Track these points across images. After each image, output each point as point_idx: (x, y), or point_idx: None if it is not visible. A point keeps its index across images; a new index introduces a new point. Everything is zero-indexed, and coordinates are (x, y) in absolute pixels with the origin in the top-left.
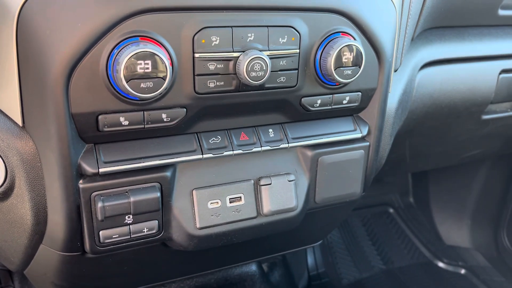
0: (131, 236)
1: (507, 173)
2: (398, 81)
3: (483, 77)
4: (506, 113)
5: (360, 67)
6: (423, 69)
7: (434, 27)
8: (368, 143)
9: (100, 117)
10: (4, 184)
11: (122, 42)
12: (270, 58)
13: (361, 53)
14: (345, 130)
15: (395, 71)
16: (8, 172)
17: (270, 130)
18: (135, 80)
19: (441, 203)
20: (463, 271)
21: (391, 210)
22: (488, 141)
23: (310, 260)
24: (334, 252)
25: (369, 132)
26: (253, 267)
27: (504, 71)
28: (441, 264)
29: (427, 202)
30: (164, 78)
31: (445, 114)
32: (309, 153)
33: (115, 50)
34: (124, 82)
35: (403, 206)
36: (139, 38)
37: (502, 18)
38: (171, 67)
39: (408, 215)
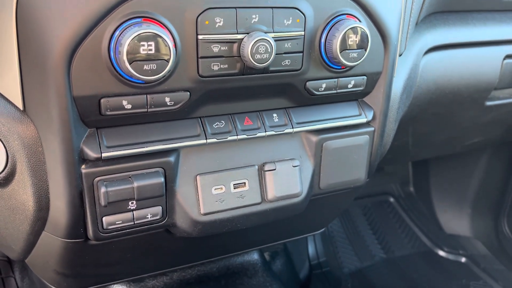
0: (135, 222)
1: (508, 162)
2: (402, 66)
3: (487, 62)
4: (510, 99)
5: (366, 50)
6: (427, 54)
7: (438, 11)
8: (373, 128)
9: (102, 100)
10: (5, 170)
11: (124, 23)
12: (275, 41)
13: (366, 35)
14: (350, 115)
15: (400, 55)
16: (9, 157)
17: (275, 115)
18: (138, 62)
19: (441, 192)
20: (463, 260)
21: (392, 199)
22: (490, 128)
23: (311, 249)
24: (335, 242)
25: (374, 117)
26: (255, 256)
27: (509, 56)
28: (441, 253)
29: (427, 191)
30: (167, 60)
31: (449, 100)
32: (314, 138)
33: (117, 32)
34: (127, 64)
35: (404, 195)
36: (141, 19)
37: (506, 3)
38: (174, 49)
39: (408, 204)
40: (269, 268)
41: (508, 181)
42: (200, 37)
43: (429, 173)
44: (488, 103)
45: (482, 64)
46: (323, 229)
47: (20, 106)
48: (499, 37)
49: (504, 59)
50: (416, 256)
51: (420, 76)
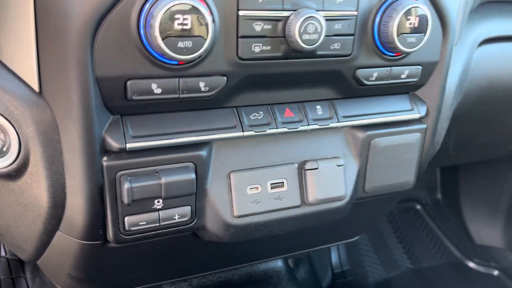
0: (161, 223)
1: None
2: (457, 57)
3: None
4: None
5: (425, 34)
6: (480, 47)
7: (492, 0)
8: (425, 126)
9: (129, 82)
10: (18, 159)
11: None
12: (325, 19)
13: (426, 18)
14: (402, 110)
15: (455, 44)
16: (22, 146)
17: (318, 107)
18: (172, 38)
19: (471, 201)
20: (495, 273)
21: (418, 207)
22: None
23: (334, 257)
24: (359, 250)
25: (427, 113)
26: (279, 263)
27: None
28: (471, 265)
29: (456, 199)
30: (205, 38)
31: (499, 99)
32: (361, 134)
33: (149, 2)
34: (159, 40)
35: (431, 202)
36: None
37: None
38: (213, 25)
39: (436, 212)
40: (294, 276)
41: None
42: (241, 13)
43: (459, 179)
44: None
45: None
46: (357, 237)
47: (36, 88)
48: None
49: None
50: (444, 267)
51: (473, 70)
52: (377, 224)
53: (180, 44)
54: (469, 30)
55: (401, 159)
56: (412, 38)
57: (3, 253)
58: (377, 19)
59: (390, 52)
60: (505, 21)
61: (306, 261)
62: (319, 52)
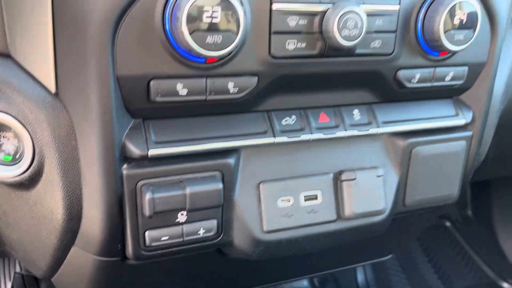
0: (184, 238)
1: None
2: (504, 57)
3: None
4: None
5: (474, 31)
6: None
7: None
8: (471, 133)
9: (152, 82)
10: (31, 167)
11: None
12: (366, 14)
13: (476, 13)
14: (445, 115)
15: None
16: (36, 152)
17: (356, 111)
18: (200, 33)
19: (505, 217)
20: None
21: (448, 224)
22: None
23: (360, 277)
24: (386, 269)
25: (473, 119)
26: (304, 282)
27: None
28: (506, 285)
29: (488, 216)
30: (235, 33)
31: None
32: (401, 142)
33: None
34: (186, 34)
35: (461, 219)
36: None
37: None
38: (245, 19)
39: (467, 230)
40: None
41: None
42: (274, 6)
43: (491, 195)
44: None
45: None
46: (390, 256)
47: (52, 89)
48: None
49: None
50: None
51: None
52: (414, 240)
53: (209, 40)
54: None
55: (444, 169)
56: (460, 35)
57: (18, 269)
58: (421, 15)
59: (434, 51)
60: None
61: (332, 281)
62: (358, 51)
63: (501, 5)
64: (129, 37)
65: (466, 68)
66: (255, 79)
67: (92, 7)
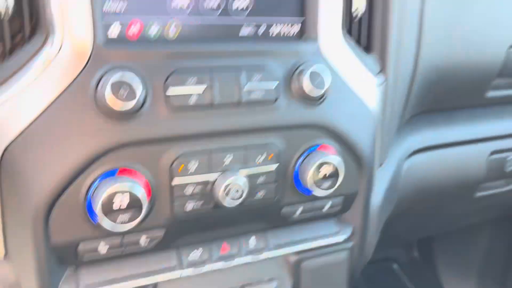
0: None
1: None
2: (383, 176)
3: (473, 159)
4: (500, 189)
5: (338, 179)
6: (411, 157)
7: (421, 112)
8: (351, 244)
9: (79, 245)
10: None
11: (100, 176)
12: (249, 177)
13: (339, 167)
14: (329, 234)
15: (380, 165)
16: None
17: (252, 238)
18: (113, 213)
19: (447, 259)
20: None
21: (396, 266)
22: (485, 211)
23: None
24: None
25: (353, 233)
26: None
27: (495, 152)
28: None
29: (432, 258)
30: (140, 210)
31: (436, 196)
32: (292, 258)
33: (94, 185)
34: (101, 216)
35: (408, 261)
36: (118, 169)
37: (491, 99)
38: (148, 199)
39: (414, 271)
40: None
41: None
42: (174, 181)
43: (434, 240)
44: (478, 194)
45: (469, 161)
46: None
47: (2, 253)
48: (484, 134)
49: (490, 155)
50: None
51: (404, 179)
52: None
53: (120, 217)
54: (399, 145)
55: (331, 276)
56: (327, 183)
57: None
58: (296, 169)
59: (310, 193)
60: (434, 131)
61: None
62: (245, 201)
63: (366, 150)
64: (61, 215)
65: (341, 198)
66: (162, 230)
67: (32, 196)
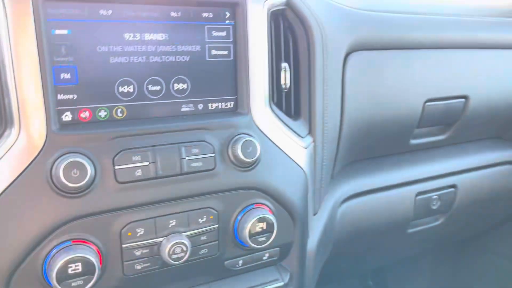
0: None
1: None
2: (317, 224)
3: (401, 200)
4: (430, 224)
5: (272, 233)
6: (344, 203)
7: (353, 161)
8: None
9: None
10: None
11: (55, 247)
12: (191, 237)
13: (272, 222)
14: (269, 281)
15: (315, 214)
16: None
17: None
18: (68, 280)
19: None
20: None
21: None
22: (420, 244)
23: None
24: None
25: (291, 278)
26: None
27: (420, 193)
28: None
29: (386, 286)
30: (93, 274)
31: (371, 235)
32: None
33: (50, 255)
34: (56, 285)
35: None
36: (71, 241)
37: (413, 145)
38: (99, 266)
39: None
40: None
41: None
42: (124, 245)
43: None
44: (410, 230)
45: (397, 203)
46: None
47: None
48: (410, 178)
49: (416, 195)
50: None
51: (339, 223)
52: None
53: (74, 284)
54: (332, 194)
55: None
56: (262, 238)
57: None
58: (236, 226)
59: (249, 246)
60: (365, 178)
61: None
62: (190, 258)
63: (298, 205)
64: (20, 283)
65: (278, 248)
66: None
67: None
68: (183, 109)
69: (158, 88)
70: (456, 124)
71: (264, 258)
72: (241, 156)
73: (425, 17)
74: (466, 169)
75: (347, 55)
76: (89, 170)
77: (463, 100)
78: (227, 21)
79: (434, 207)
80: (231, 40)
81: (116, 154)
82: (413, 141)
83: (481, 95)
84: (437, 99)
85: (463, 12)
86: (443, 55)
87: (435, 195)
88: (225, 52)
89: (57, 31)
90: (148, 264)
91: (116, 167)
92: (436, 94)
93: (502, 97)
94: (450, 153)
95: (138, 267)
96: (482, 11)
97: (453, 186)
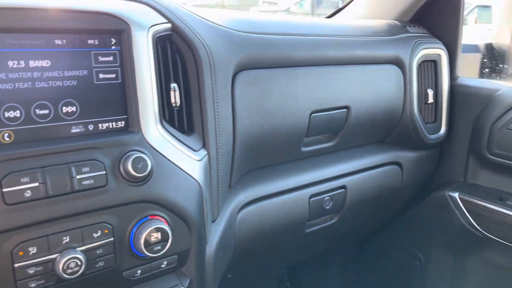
0: None
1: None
2: (216, 230)
3: (297, 203)
4: (326, 223)
5: (168, 242)
6: (242, 210)
7: (250, 170)
8: None
9: None
10: None
11: None
12: (86, 251)
13: (167, 231)
14: (169, 287)
15: (213, 221)
16: None
17: None
18: None
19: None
20: None
21: None
22: (320, 242)
23: None
24: None
25: (190, 283)
26: None
27: (313, 195)
28: None
29: (301, 285)
30: None
31: (272, 238)
32: None
33: None
34: None
35: None
36: None
37: (305, 153)
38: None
39: None
40: None
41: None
42: (16, 265)
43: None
44: (308, 230)
45: (293, 205)
46: None
47: None
48: (304, 182)
49: (310, 197)
50: None
51: (238, 228)
52: None
53: None
54: (230, 202)
55: None
56: (158, 247)
57: None
58: (131, 238)
59: (146, 255)
60: (261, 185)
61: None
62: (87, 271)
63: (193, 214)
64: None
65: (176, 256)
66: None
67: None
68: (73, 131)
69: (46, 112)
70: (341, 132)
71: (163, 266)
72: (132, 172)
73: (306, 37)
74: (354, 171)
75: (235, 74)
76: None
77: (345, 110)
78: (113, 47)
79: (327, 207)
80: (118, 64)
81: (4, 177)
82: (304, 149)
83: (361, 105)
84: (321, 110)
85: (343, 32)
86: (325, 71)
87: (327, 196)
88: (113, 75)
89: None
90: (43, 281)
91: (4, 190)
92: (321, 105)
93: (380, 105)
94: (340, 158)
95: (33, 285)
96: (359, 30)
97: (343, 187)
